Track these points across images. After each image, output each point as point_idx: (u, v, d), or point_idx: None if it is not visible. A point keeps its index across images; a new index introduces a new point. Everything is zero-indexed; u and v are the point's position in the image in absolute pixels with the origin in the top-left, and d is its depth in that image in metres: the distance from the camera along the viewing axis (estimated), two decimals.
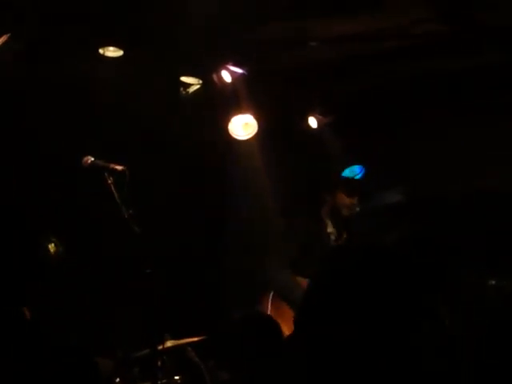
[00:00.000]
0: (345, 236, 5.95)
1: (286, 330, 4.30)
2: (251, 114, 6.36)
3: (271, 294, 5.78)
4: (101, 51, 5.57)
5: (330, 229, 5.90)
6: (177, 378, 5.04)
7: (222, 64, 6.07)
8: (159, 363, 4.57)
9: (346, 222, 6.00)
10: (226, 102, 6.27)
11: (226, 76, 6.10)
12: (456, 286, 5.53)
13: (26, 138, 5.74)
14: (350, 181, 6.17)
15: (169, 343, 4.90)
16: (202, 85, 6.19)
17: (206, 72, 6.11)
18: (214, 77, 6.10)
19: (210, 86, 6.13)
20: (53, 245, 4.81)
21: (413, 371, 2.15)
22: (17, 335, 3.24)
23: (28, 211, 5.38)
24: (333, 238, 5.92)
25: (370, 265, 2.19)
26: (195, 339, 5.17)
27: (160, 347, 4.57)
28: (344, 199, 5.98)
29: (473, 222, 6.36)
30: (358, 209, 6.54)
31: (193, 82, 6.21)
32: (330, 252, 5.10)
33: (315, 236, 5.90)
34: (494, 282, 5.46)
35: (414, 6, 5.43)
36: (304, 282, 5.49)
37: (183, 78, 6.18)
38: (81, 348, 3.30)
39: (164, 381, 4.79)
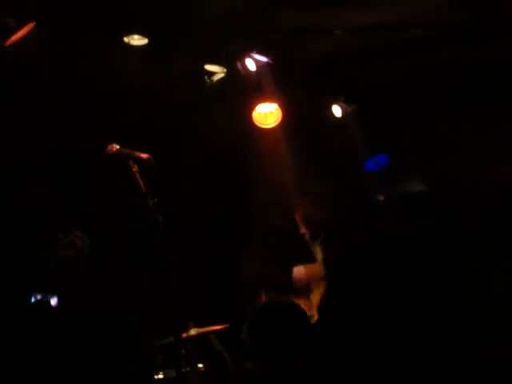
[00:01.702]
0: (322, 236, 5.89)
1: None
2: (275, 103, 6.35)
3: (263, 293, 5.73)
4: (126, 40, 5.58)
5: (303, 230, 5.89)
6: (200, 365, 5.07)
7: (247, 52, 6.06)
8: (183, 351, 4.59)
9: (322, 224, 5.92)
10: (251, 91, 6.27)
11: (251, 64, 6.09)
12: (469, 272, 5.51)
13: (49, 127, 5.76)
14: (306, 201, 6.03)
15: (192, 331, 4.92)
16: (227, 73, 6.19)
17: (231, 60, 6.11)
18: (239, 65, 6.09)
19: (235, 74, 6.12)
20: (79, 238, 4.83)
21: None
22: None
23: (51, 205, 5.44)
24: (306, 238, 5.91)
25: (386, 260, 2.20)
26: (219, 327, 5.19)
27: (184, 335, 4.60)
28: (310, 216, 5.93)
29: (494, 210, 6.33)
30: (382, 198, 6.50)
31: (217, 71, 6.21)
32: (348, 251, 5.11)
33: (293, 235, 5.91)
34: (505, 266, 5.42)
35: None
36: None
37: (207, 67, 6.18)
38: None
39: (187, 369, 4.81)
